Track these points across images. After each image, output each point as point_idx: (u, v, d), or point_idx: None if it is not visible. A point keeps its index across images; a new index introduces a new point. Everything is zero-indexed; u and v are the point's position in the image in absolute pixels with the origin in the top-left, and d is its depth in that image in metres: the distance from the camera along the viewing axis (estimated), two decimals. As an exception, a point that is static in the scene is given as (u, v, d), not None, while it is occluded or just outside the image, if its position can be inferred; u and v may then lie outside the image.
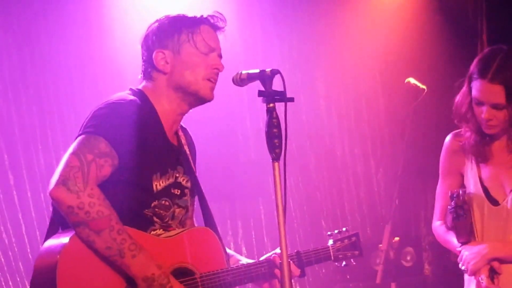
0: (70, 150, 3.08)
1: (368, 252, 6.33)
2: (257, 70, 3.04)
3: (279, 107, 2.98)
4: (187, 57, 3.27)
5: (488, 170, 3.81)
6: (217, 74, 3.32)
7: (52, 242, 3.13)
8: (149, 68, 3.31)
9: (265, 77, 3.01)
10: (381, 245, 5.31)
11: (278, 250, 3.19)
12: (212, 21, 3.34)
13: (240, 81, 3.08)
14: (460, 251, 3.79)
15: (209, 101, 3.33)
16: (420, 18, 6.87)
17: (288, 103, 3.00)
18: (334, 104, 6.95)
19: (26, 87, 6.13)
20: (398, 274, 5.64)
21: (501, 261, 3.74)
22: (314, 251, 3.55)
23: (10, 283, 6.02)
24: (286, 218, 2.96)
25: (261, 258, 3.44)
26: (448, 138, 3.95)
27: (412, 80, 5.34)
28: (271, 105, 2.98)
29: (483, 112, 3.68)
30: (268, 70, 3.02)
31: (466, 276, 3.92)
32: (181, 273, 3.23)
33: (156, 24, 3.33)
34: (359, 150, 7.02)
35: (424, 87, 5.32)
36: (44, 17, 6.13)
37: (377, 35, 6.85)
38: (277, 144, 2.94)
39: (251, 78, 3.06)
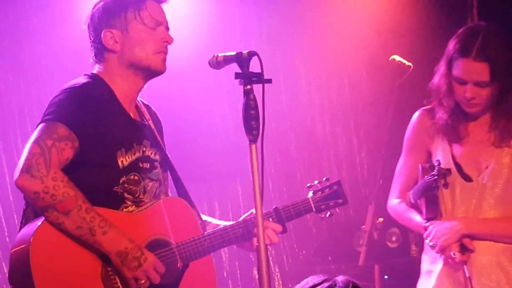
0: (31, 139, 3.22)
1: (350, 233, 6.43)
2: (233, 53, 3.09)
3: (258, 88, 3.03)
4: (136, 34, 3.38)
5: (461, 147, 3.89)
6: (166, 47, 3.43)
7: (24, 231, 3.27)
8: (99, 49, 3.42)
9: (242, 59, 3.06)
10: (364, 226, 5.34)
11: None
12: None
13: (217, 64, 3.14)
14: (426, 227, 3.85)
15: (162, 73, 3.44)
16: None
17: (268, 84, 3.05)
18: (315, 83, 6.96)
19: (5, 74, 6.24)
20: (382, 256, 5.70)
21: (472, 238, 3.80)
22: (293, 204, 3.58)
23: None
24: (265, 200, 3.05)
25: (240, 219, 3.54)
26: (417, 114, 4.05)
27: (397, 58, 5.34)
28: (248, 87, 3.03)
29: (466, 91, 3.76)
30: (245, 52, 3.07)
31: (425, 256, 4.01)
32: (157, 245, 3.36)
33: (101, 3, 3.43)
34: (341, 129, 7.05)
35: (410, 64, 5.33)
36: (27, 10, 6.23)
37: (360, 12, 6.86)
38: (254, 126, 2.99)
39: (227, 60, 3.11)
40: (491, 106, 3.85)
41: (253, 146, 3.00)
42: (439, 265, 3.91)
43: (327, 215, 3.63)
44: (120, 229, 3.23)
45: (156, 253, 3.31)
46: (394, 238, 6.51)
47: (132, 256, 3.21)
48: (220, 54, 3.13)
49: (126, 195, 3.36)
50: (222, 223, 3.57)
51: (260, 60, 3.03)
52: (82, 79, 3.39)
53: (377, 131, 6.67)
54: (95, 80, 3.38)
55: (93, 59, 3.46)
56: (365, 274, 5.45)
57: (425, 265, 4.03)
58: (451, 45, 3.84)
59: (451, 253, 3.78)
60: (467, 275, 3.78)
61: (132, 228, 3.29)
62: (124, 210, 3.36)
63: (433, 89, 3.93)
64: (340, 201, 3.63)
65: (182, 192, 3.57)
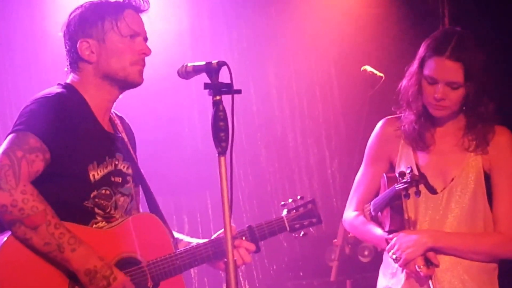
0: (0, 150, 3.19)
1: (322, 247, 6.46)
2: (203, 63, 3.10)
3: (227, 99, 3.06)
4: (113, 44, 3.37)
5: (427, 157, 3.88)
6: (144, 59, 3.42)
7: None
8: (75, 59, 3.41)
9: (211, 70, 3.07)
10: (335, 240, 5.34)
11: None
12: (135, 4, 3.44)
13: (186, 73, 3.14)
14: (389, 240, 3.82)
15: (139, 85, 3.44)
16: (378, 4, 6.99)
17: (239, 94, 3.09)
18: (286, 93, 7.00)
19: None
20: (354, 271, 5.73)
21: (437, 252, 3.78)
22: (267, 223, 3.58)
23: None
24: (236, 213, 3.07)
25: (212, 237, 3.53)
26: (380, 123, 4.03)
27: (368, 68, 5.34)
28: (218, 97, 3.05)
29: (436, 92, 3.75)
30: (214, 62, 3.09)
31: (383, 271, 3.97)
32: (127, 263, 3.35)
33: (78, 11, 3.41)
34: (313, 140, 7.10)
35: (381, 74, 5.32)
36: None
37: (332, 22, 6.91)
38: (223, 138, 3.01)
39: (197, 70, 3.12)
40: (460, 112, 3.84)
41: (222, 158, 3.01)
42: (400, 280, 3.88)
43: (301, 235, 3.64)
44: (90, 246, 3.21)
45: (126, 272, 3.30)
46: (366, 253, 6.51)
47: (101, 275, 3.20)
48: (189, 64, 3.14)
49: (96, 210, 3.35)
50: (194, 241, 3.55)
51: (230, 70, 3.05)
52: (55, 89, 3.37)
53: (348, 143, 6.72)
54: (69, 90, 3.37)
55: (67, 68, 3.45)
56: (337, 289, 5.48)
57: (382, 280, 3.99)
58: (424, 45, 3.85)
59: (416, 266, 3.76)
60: None
61: (101, 245, 3.27)
62: (94, 226, 3.35)
63: (402, 91, 3.92)
64: (314, 220, 3.63)
65: (154, 207, 3.56)
